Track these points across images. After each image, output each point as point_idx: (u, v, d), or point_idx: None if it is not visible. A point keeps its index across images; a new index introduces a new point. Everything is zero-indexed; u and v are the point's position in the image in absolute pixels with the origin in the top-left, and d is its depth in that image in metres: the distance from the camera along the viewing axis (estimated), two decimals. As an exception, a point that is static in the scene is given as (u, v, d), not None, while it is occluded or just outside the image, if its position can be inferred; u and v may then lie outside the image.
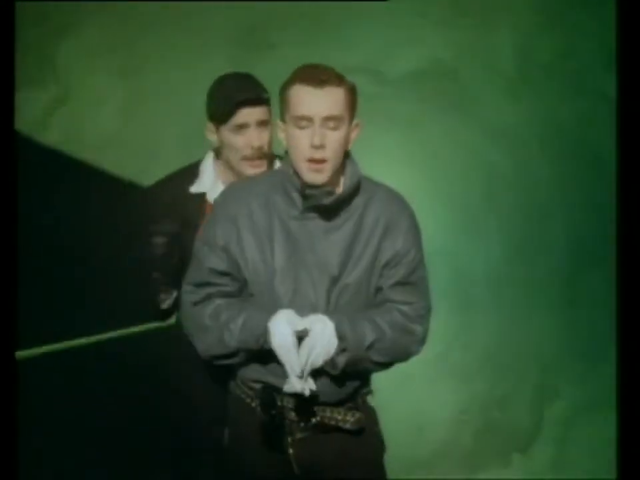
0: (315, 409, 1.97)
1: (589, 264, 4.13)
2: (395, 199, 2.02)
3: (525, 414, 4.36)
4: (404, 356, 2.01)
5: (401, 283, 1.97)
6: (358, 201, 1.96)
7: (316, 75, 1.83)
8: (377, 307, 1.99)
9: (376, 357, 1.95)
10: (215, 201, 2.07)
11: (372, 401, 2.10)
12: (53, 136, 3.37)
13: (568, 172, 4.20)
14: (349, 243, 1.94)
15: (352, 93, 1.88)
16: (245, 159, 2.21)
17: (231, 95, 2.19)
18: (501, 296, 4.45)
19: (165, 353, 2.39)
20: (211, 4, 3.53)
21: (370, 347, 1.92)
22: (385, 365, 2.00)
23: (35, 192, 3.32)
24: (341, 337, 1.87)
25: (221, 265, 1.95)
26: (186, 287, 2.03)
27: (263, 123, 2.21)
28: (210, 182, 2.31)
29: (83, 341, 3.42)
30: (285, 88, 1.89)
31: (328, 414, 1.98)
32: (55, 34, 3.08)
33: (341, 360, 1.88)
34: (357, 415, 2.00)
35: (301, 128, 1.84)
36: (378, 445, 2.11)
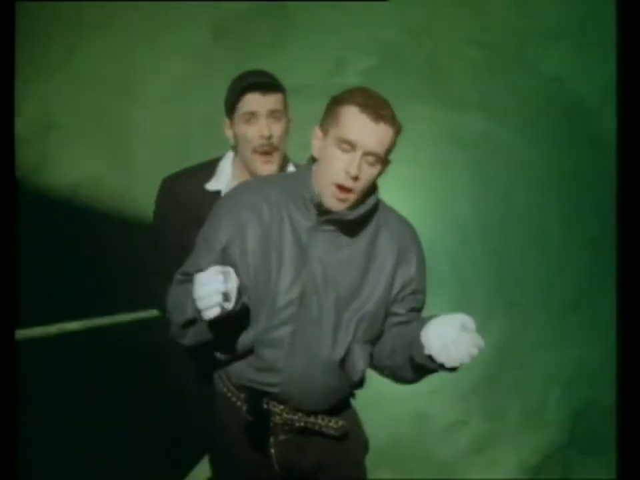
0: (300, 414, 1.98)
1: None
2: (406, 226, 2.02)
3: (533, 397, 4.37)
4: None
5: (416, 310, 1.99)
6: (371, 222, 1.95)
7: (376, 108, 1.80)
8: (396, 328, 1.98)
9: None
10: (224, 197, 2.03)
11: (353, 402, 2.12)
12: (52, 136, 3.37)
13: (561, 145, 4.19)
14: (362, 266, 1.93)
15: (396, 135, 1.85)
16: (255, 151, 2.18)
17: (240, 83, 2.18)
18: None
19: (162, 341, 2.38)
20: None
21: None
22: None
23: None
24: None
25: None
26: (177, 275, 2.00)
27: (274, 114, 2.17)
28: (227, 181, 2.28)
29: (76, 325, 3.41)
30: (338, 102, 1.84)
31: (312, 419, 1.99)
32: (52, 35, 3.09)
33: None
34: (340, 422, 2.01)
35: (342, 150, 1.82)
36: (358, 446, 2.13)
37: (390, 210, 2.02)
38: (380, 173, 1.89)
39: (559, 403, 4.26)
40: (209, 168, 2.33)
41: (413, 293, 1.98)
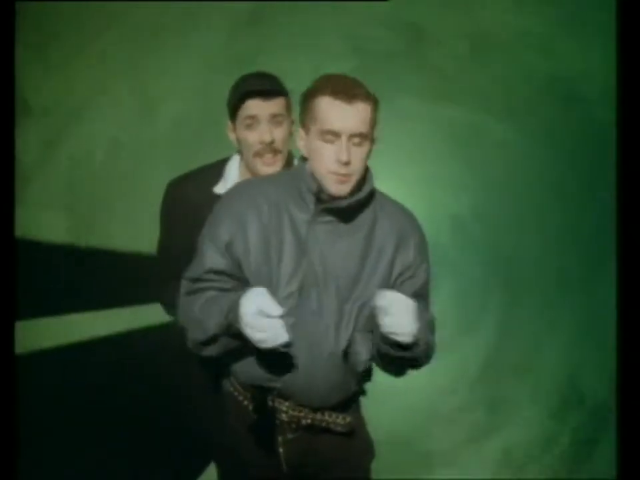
0: (306, 411, 1.97)
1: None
2: (404, 213, 2.02)
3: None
4: (417, 363, 1.98)
5: (416, 295, 1.96)
6: (368, 212, 1.95)
7: (346, 89, 1.81)
8: None
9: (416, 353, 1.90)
10: (224, 196, 2.03)
11: (361, 403, 2.11)
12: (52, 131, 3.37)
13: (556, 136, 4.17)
14: (360, 256, 1.93)
15: (376, 108, 1.86)
16: (257, 155, 2.17)
17: (241, 87, 2.16)
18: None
19: (163, 348, 2.38)
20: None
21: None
22: (409, 366, 1.98)
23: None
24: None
25: (221, 265, 1.93)
26: (183, 282, 2.00)
27: (276, 118, 2.15)
28: (233, 184, 2.23)
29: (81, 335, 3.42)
30: (310, 97, 1.85)
31: (319, 416, 1.98)
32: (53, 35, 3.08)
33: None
34: (348, 418, 2.00)
35: (327, 142, 1.83)
36: (364, 448, 2.12)
37: (386, 198, 2.03)
38: (369, 151, 1.89)
39: (560, 393, 4.26)
40: (215, 170, 2.32)
41: (411, 277, 1.97)
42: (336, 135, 1.81)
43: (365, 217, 1.94)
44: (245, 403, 2.00)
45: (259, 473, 2.06)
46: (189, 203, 2.27)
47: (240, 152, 2.28)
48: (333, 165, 1.82)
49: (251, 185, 2.01)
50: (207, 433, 2.42)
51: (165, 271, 2.36)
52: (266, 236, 1.91)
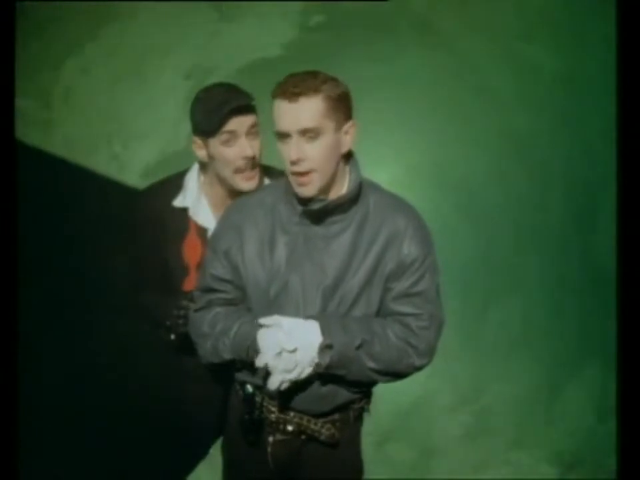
0: (293, 414, 1.99)
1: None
2: (398, 206, 1.97)
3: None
4: (403, 367, 1.95)
5: (404, 295, 1.94)
6: (356, 210, 1.93)
7: (290, 88, 1.79)
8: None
9: (369, 362, 1.91)
10: (225, 209, 2.06)
11: (367, 417, 2.11)
12: (52, 137, 3.37)
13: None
14: (348, 253, 1.91)
15: (332, 99, 1.81)
16: (238, 171, 2.12)
17: (221, 105, 2.07)
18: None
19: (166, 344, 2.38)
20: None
21: (359, 347, 1.88)
22: (383, 374, 1.95)
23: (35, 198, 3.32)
24: (325, 333, 1.86)
25: (222, 271, 1.97)
26: (195, 294, 2.07)
27: (253, 132, 2.11)
28: (193, 197, 2.23)
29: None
30: (272, 101, 1.86)
31: (305, 422, 2.00)
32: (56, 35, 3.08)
33: (325, 358, 1.86)
34: (332, 429, 2.01)
35: (283, 143, 1.83)
36: (355, 464, 2.14)
37: (383, 192, 2.00)
38: (342, 142, 1.86)
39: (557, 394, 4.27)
40: (176, 183, 2.27)
41: (402, 274, 1.93)
42: (286, 135, 1.81)
43: (352, 215, 1.92)
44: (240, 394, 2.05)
45: (251, 471, 2.11)
46: (152, 216, 2.25)
47: (203, 165, 2.22)
48: (289, 165, 1.83)
49: (248, 198, 2.04)
50: (205, 429, 2.42)
51: (134, 280, 2.38)
52: (261, 242, 1.94)
